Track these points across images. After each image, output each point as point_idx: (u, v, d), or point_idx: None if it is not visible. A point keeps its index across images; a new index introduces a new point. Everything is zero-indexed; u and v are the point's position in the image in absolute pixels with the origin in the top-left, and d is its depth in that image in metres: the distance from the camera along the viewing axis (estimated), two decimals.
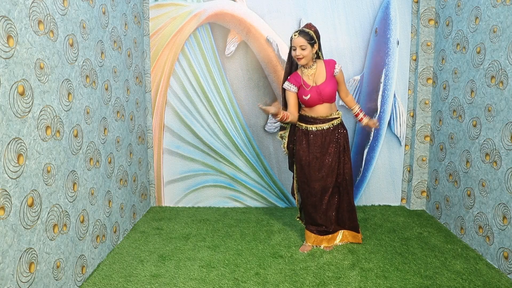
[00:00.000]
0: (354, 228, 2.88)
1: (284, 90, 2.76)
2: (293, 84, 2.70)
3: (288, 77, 2.75)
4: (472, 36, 2.85)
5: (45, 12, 1.98)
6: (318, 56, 2.74)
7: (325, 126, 2.72)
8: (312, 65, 2.69)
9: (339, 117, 2.77)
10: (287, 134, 2.87)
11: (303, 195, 2.83)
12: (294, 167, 2.86)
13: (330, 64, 2.70)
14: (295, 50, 2.62)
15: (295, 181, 2.89)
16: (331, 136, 2.72)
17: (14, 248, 1.74)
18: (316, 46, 2.63)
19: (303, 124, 2.75)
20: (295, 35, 2.60)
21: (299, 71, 2.74)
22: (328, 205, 2.79)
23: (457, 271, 2.49)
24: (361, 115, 2.83)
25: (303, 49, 2.59)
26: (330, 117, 2.73)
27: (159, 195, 3.77)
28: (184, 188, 3.76)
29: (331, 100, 2.70)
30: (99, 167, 2.61)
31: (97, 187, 2.59)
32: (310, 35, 2.60)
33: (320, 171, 2.73)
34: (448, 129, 3.20)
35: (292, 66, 2.78)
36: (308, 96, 2.66)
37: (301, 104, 2.78)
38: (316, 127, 2.72)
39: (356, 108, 2.84)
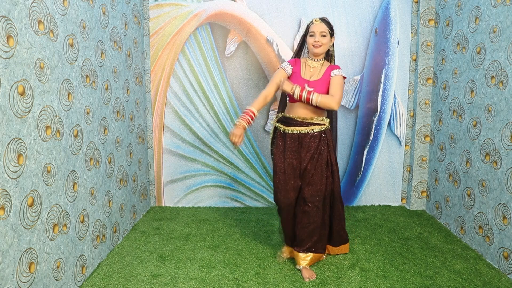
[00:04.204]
0: (344, 241, 2.70)
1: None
2: (291, 66, 2.52)
3: (289, 60, 2.57)
4: (472, 36, 2.85)
5: (45, 12, 1.98)
6: (328, 59, 2.58)
7: (302, 130, 2.45)
8: (320, 59, 2.50)
9: (323, 124, 2.47)
10: (271, 136, 2.66)
11: (279, 205, 2.56)
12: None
13: (333, 68, 2.48)
14: (313, 36, 2.42)
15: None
16: (309, 143, 2.44)
17: (14, 248, 1.74)
18: (333, 40, 2.49)
19: (282, 126, 2.53)
20: (316, 21, 2.43)
21: (302, 60, 2.55)
22: (294, 221, 2.55)
23: (457, 271, 2.49)
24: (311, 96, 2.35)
25: (323, 36, 2.41)
26: (310, 121, 2.45)
27: (159, 195, 3.77)
28: (184, 188, 3.76)
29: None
30: (99, 167, 2.61)
31: (97, 187, 2.59)
32: (331, 25, 2.47)
33: (295, 180, 2.47)
34: (448, 129, 3.20)
35: (298, 54, 2.61)
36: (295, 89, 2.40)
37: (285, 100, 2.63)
38: (292, 130, 2.46)
39: (314, 93, 2.36)
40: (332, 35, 2.46)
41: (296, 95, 2.38)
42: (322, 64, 2.50)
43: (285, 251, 2.68)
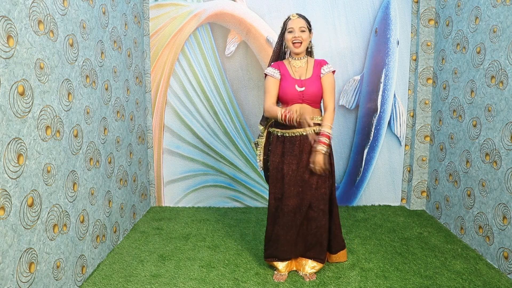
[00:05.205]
0: (342, 247, 2.59)
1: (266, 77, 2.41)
2: (277, 70, 2.38)
3: (272, 64, 2.44)
4: (472, 36, 2.85)
5: (45, 12, 1.98)
6: (310, 53, 2.47)
7: (305, 131, 2.32)
8: (303, 57, 2.39)
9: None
10: (262, 143, 2.50)
11: (275, 215, 2.42)
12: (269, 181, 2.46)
13: (320, 63, 2.40)
14: (291, 32, 2.32)
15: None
16: (312, 145, 2.30)
17: (14, 248, 1.74)
18: (311, 35, 2.39)
19: (279, 130, 2.37)
20: (293, 16, 2.35)
21: (285, 62, 2.43)
22: (300, 228, 2.40)
23: (457, 271, 2.49)
24: (321, 139, 2.26)
25: (302, 31, 2.31)
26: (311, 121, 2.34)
27: (159, 195, 3.77)
28: (184, 188, 3.76)
29: (313, 101, 2.35)
30: (99, 167, 2.61)
31: (97, 187, 2.59)
32: (308, 21, 2.38)
33: (296, 186, 2.33)
34: (448, 129, 3.20)
35: (280, 54, 2.48)
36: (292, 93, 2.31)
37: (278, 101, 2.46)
38: (294, 132, 2.33)
39: (324, 129, 2.29)
40: (310, 30, 2.37)
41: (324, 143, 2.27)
42: (307, 61, 2.40)
43: (284, 268, 2.46)
